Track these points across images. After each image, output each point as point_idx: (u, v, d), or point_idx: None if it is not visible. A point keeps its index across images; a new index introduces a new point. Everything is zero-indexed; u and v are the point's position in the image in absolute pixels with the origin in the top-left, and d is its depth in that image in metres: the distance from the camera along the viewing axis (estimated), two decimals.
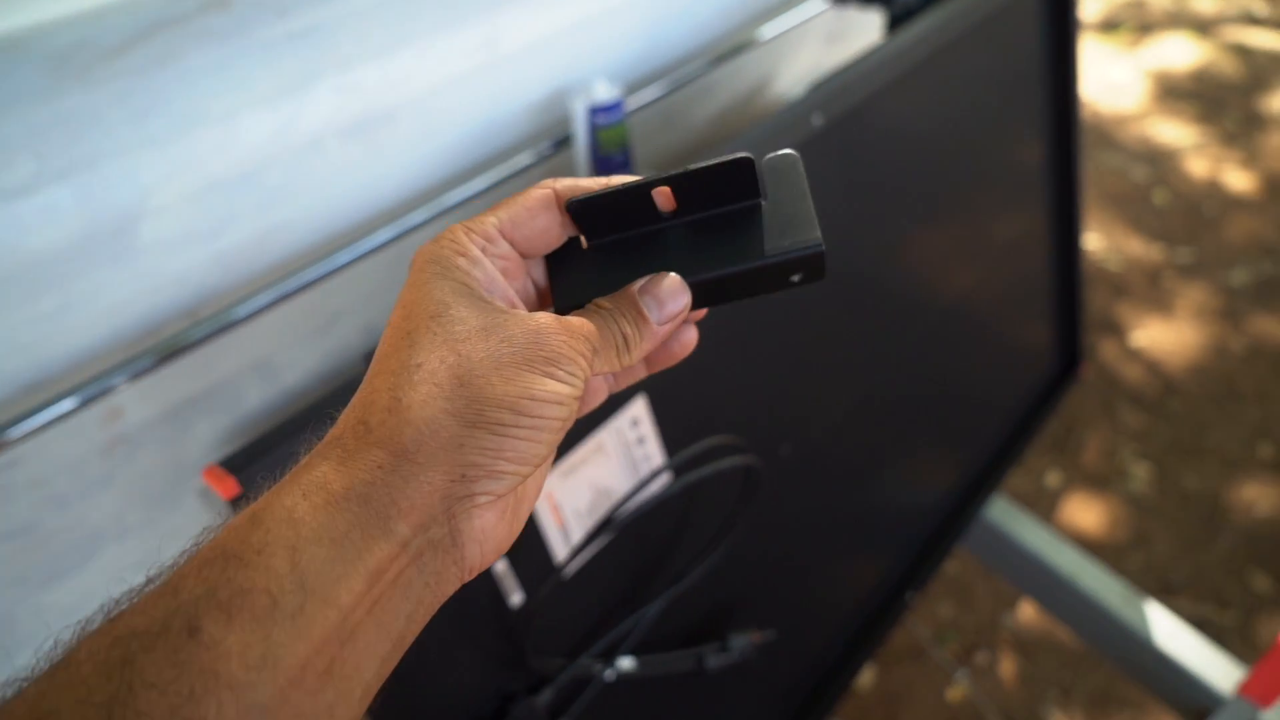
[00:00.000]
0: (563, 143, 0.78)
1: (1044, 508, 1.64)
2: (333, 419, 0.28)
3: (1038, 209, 1.04)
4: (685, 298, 0.33)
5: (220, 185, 0.62)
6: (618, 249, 0.35)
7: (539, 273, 0.34)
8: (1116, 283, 2.15)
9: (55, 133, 0.54)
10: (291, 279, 0.66)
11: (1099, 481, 1.69)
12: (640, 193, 0.33)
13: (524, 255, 0.33)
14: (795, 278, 0.34)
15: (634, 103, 0.82)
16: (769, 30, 0.95)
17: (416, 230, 0.71)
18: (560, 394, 0.28)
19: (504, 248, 0.32)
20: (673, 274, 0.33)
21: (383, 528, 0.25)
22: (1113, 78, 2.93)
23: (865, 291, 0.80)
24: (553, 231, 0.33)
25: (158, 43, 0.57)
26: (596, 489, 0.60)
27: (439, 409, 0.26)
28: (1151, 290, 2.12)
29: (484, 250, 0.32)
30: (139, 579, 0.25)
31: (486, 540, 0.27)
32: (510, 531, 0.29)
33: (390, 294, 0.78)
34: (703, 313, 0.35)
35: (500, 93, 0.76)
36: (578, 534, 0.59)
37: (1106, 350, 1.96)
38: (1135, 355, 1.96)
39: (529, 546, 0.58)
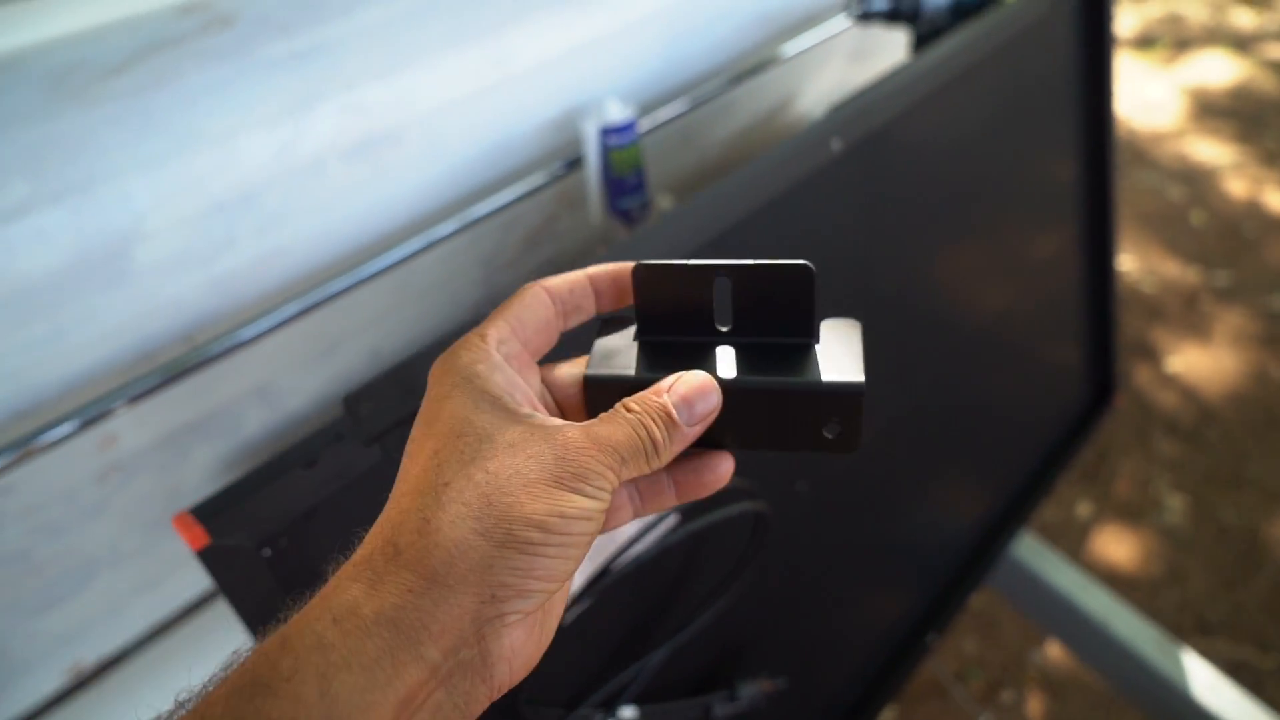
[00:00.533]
0: (574, 164, 0.76)
1: (1073, 540, 1.59)
2: (360, 537, 0.28)
3: (1070, 230, 1.01)
4: (715, 399, 0.33)
5: (219, 208, 0.60)
6: (663, 349, 0.35)
7: (550, 375, 0.35)
8: (1152, 306, 2.09)
9: (49, 154, 0.53)
10: (292, 304, 0.64)
11: (1132, 513, 1.64)
12: (701, 277, 0.34)
13: (532, 353, 0.35)
14: (829, 432, 0.34)
15: (649, 123, 0.79)
16: (791, 48, 0.92)
17: (421, 253, 0.70)
18: (588, 509, 0.28)
19: (515, 346, 0.33)
20: (700, 372, 0.33)
21: (413, 653, 0.25)
22: (1148, 95, 2.87)
23: (888, 317, 0.77)
24: (552, 327, 0.35)
25: (156, 62, 0.55)
26: None
27: (468, 529, 0.27)
28: (1188, 314, 2.06)
29: (499, 351, 0.33)
30: (168, 705, 0.25)
31: (516, 657, 0.28)
32: (539, 646, 0.29)
33: (395, 318, 0.76)
34: (730, 465, 0.35)
35: (510, 112, 0.74)
36: (577, 580, 0.56)
37: (1141, 376, 1.91)
38: (1171, 381, 1.89)
39: None
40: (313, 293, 0.65)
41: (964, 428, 0.89)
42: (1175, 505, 1.64)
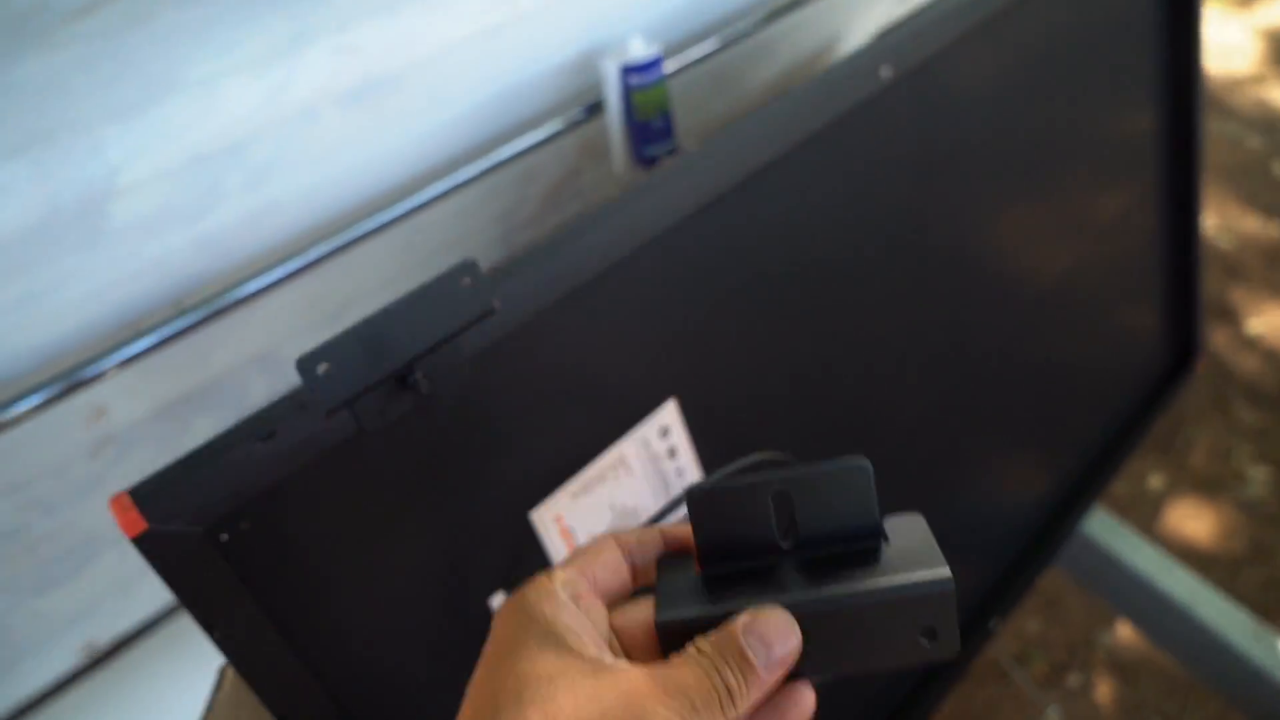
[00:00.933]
0: (595, 109, 0.70)
1: (1145, 515, 1.49)
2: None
3: (1147, 180, 0.91)
4: (795, 638, 0.31)
5: (202, 159, 0.55)
6: (729, 579, 0.34)
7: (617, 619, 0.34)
8: (1230, 263, 1.95)
9: (10, 102, 0.48)
10: (290, 262, 0.59)
11: (1210, 486, 1.53)
12: (758, 495, 0.34)
13: (600, 596, 0.34)
14: (925, 640, 0.32)
15: (676, 64, 0.72)
16: None
17: (430, 207, 0.64)
18: None
19: (583, 586, 0.33)
20: (777, 609, 0.31)
21: None
22: (1224, 38, 2.68)
23: (942, 274, 0.69)
24: (623, 572, 0.35)
25: (128, 1, 0.50)
26: (618, 509, 0.51)
27: None
28: (1269, 272, 1.91)
29: (565, 590, 0.32)
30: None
31: None
32: None
33: (407, 281, 0.71)
34: (812, 697, 0.33)
35: (522, 54, 0.68)
36: None
37: (1219, 338, 1.78)
38: (1251, 344, 1.77)
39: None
40: (312, 249, 0.60)
41: (1028, 395, 0.81)
42: (1258, 477, 1.52)
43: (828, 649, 0.32)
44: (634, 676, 0.29)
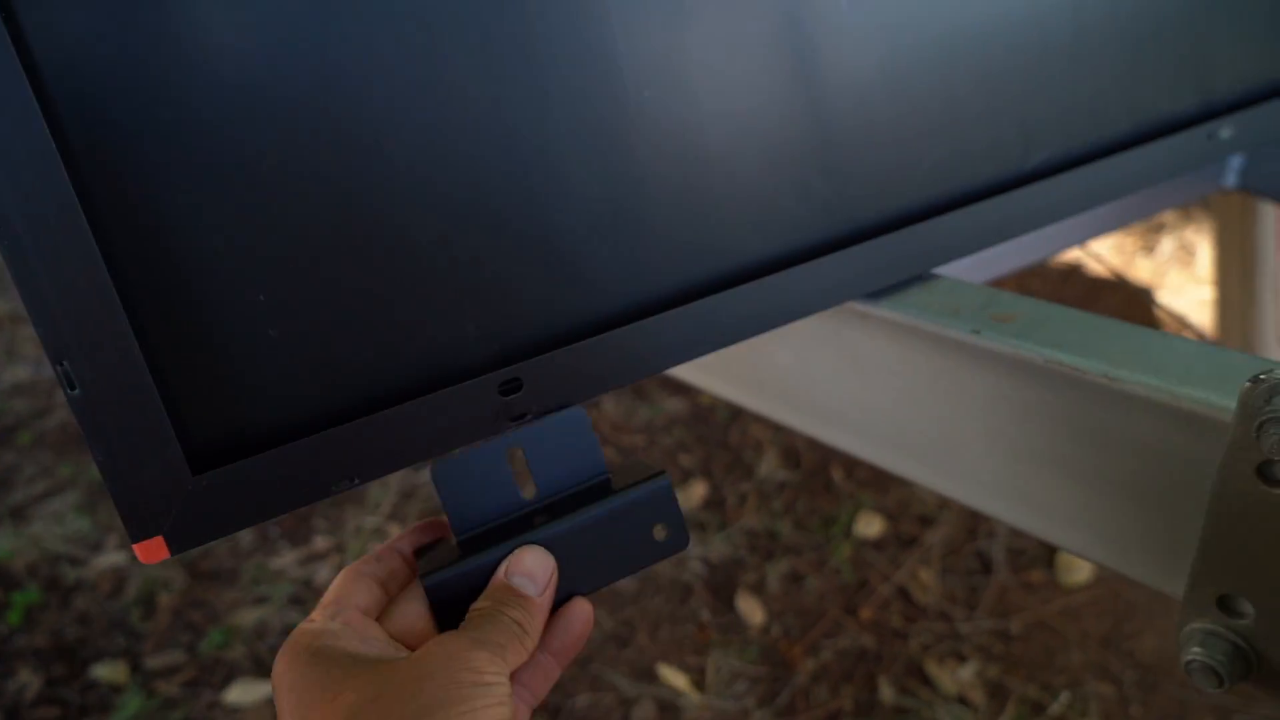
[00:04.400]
0: None
1: None
2: None
3: None
4: (551, 563, 0.38)
5: None
6: (484, 537, 0.40)
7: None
8: None
9: None
10: None
11: None
12: (494, 455, 0.41)
13: (366, 613, 0.38)
14: (659, 533, 0.40)
15: None
16: None
17: None
18: (496, 695, 0.32)
19: (351, 613, 0.37)
20: (528, 545, 0.38)
21: None
22: None
23: None
24: (375, 590, 0.39)
25: None
26: None
27: None
28: None
29: (334, 621, 0.36)
30: None
31: None
32: None
33: None
34: (589, 607, 0.40)
35: None
36: None
37: None
38: None
39: None
40: None
41: None
42: None
43: (584, 567, 0.39)
44: (443, 642, 0.33)
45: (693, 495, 1.47)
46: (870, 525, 1.39)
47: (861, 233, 0.55)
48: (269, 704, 1.17)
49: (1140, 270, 1.96)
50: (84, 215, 0.34)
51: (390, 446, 0.41)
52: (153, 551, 0.39)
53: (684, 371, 0.67)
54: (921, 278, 0.57)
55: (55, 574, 1.46)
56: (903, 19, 0.54)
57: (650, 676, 1.17)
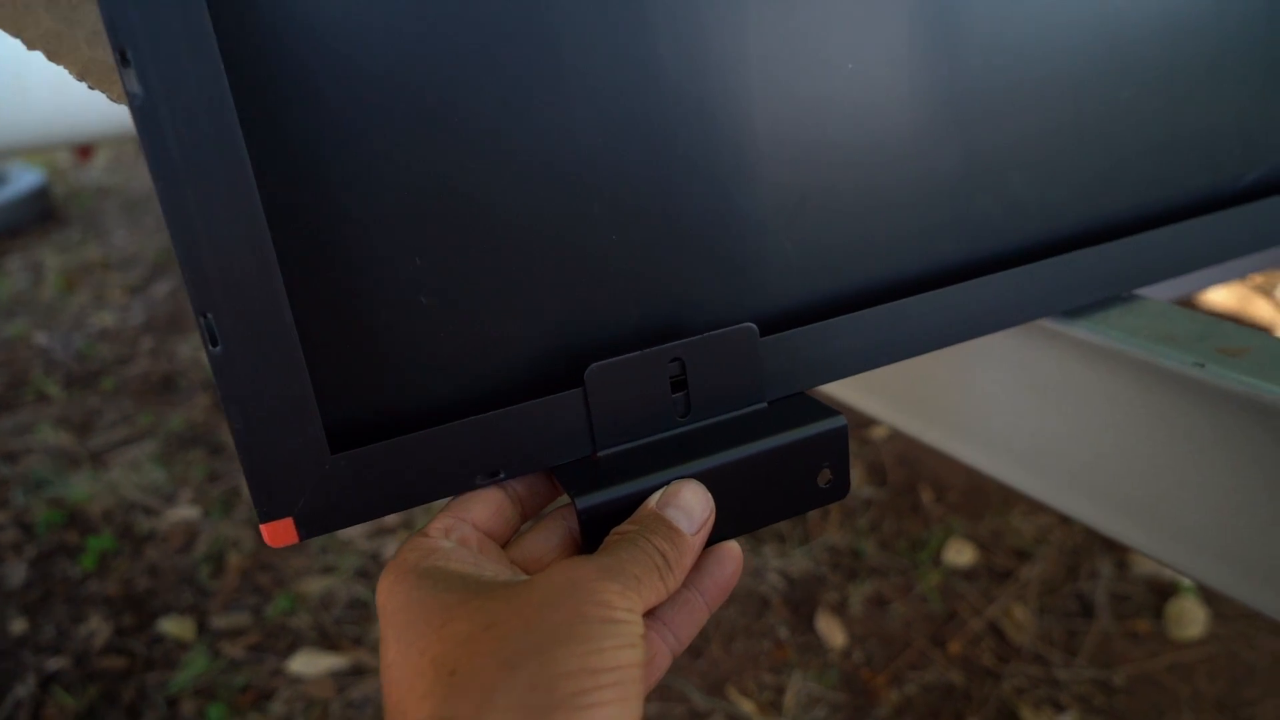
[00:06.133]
0: None
1: None
2: None
3: None
4: (709, 499, 0.34)
5: None
6: (629, 458, 0.36)
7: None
8: None
9: None
10: None
11: None
12: (654, 364, 0.37)
13: (491, 534, 0.34)
14: (824, 477, 0.37)
15: None
16: None
17: None
18: (626, 635, 0.27)
19: (467, 530, 0.33)
20: (690, 479, 0.34)
21: None
22: None
23: None
24: (506, 510, 0.35)
25: None
26: None
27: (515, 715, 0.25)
28: None
29: (447, 539, 0.32)
30: None
31: None
32: None
33: None
34: (738, 550, 0.36)
35: None
36: None
37: None
38: None
39: None
40: None
41: None
42: None
43: (738, 505, 0.35)
44: (569, 568, 0.29)
45: None
46: (961, 554, 1.31)
47: (1063, 242, 0.49)
48: (332, 678, 1.15)
49: (1259, 310, 1.84)
50: (247, 152, 0.30)
51: (543, 439, 0.37)
52: (281, 534, 0.35)
53: None
54: (1121, 298, 0.50)
55: (129, 522, 1.46)
56: (1127, 7, 0.48)
57: (722, 692, 1.11)
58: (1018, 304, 0.47)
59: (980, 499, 1.41)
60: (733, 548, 0.36)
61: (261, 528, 0.35)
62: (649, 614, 0.34)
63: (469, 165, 0.35)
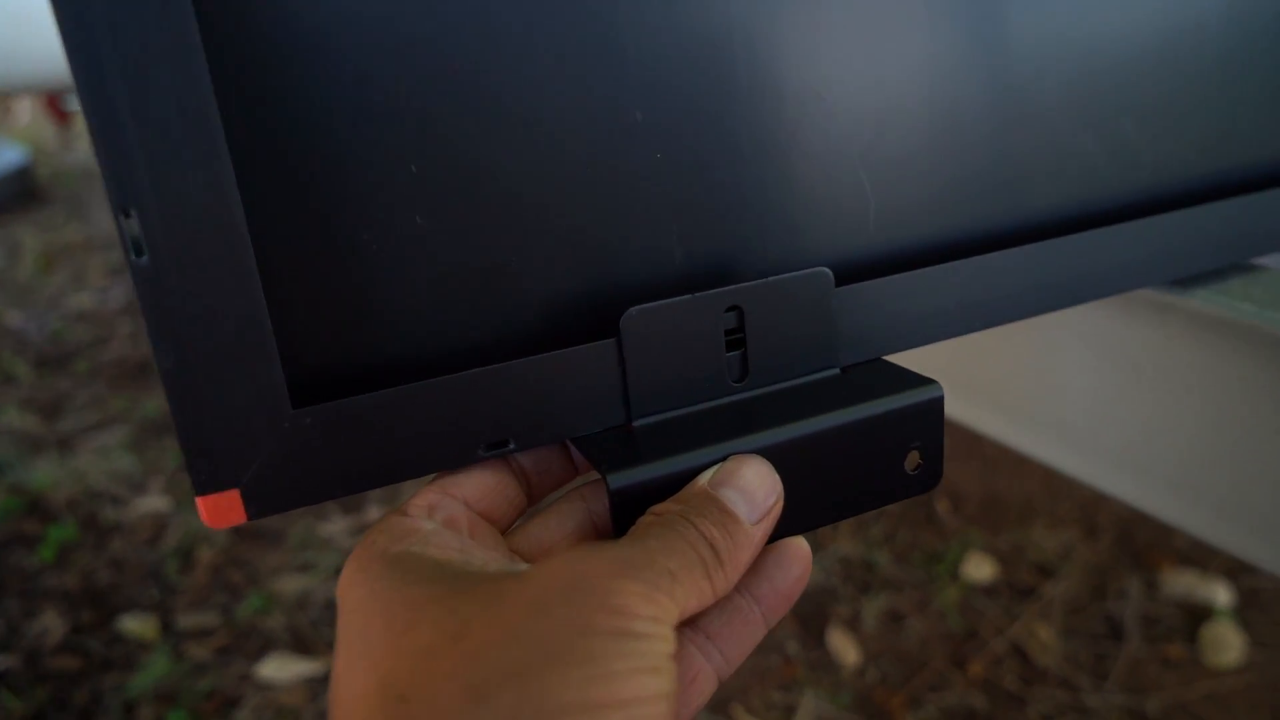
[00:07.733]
0: None
1: None
2: None
3: None
4: (777, 482, 0.26)
5: None
6: (671, 428, 0.29)
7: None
8: None
9: None
10: None
11: None
12: (705, 314, 0.29)
13: (488, 515, 0.27)
14: (911, 461, 0.29)
15: None
16: None
17: None
18: (648, 659, 0.19)
19: (455, 509, 0.26)
20: (752, 455, 0.26)
21: None
22: None
23: None
24: (508, 487, 0.28)
25: None
26: None
27: None
28: None
29: (430, 520, 0.25)
30: None
31: None
32: None
33: None
34: (807, 548, 0.29)
35: None
36: None
37: None
38: None
39: None
40: None
41: None
42: None
43: (806, 496, 0.28)
44: (575, 558, 0.21)
45: None
46: (980, 569, 1.23)
47: (1178, 198, 0.41)
48: (305, 685, 1.06)
49: None
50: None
51: (566, 401, 0.29)
52: (223, 510, 0.27)
53: None
54: (1240, 267, 0.43)
55: (94, 511, 1.37)
56: None
57: (727, 711, 1.03)
58: (1123, 267, 0.40)
59: (999, 510, 1.34)
60: (801, 546, 0.29)
61: (198, 501, 0.27)
62: (688, 622, 0.27)
63: (482, 42, 0.27)
